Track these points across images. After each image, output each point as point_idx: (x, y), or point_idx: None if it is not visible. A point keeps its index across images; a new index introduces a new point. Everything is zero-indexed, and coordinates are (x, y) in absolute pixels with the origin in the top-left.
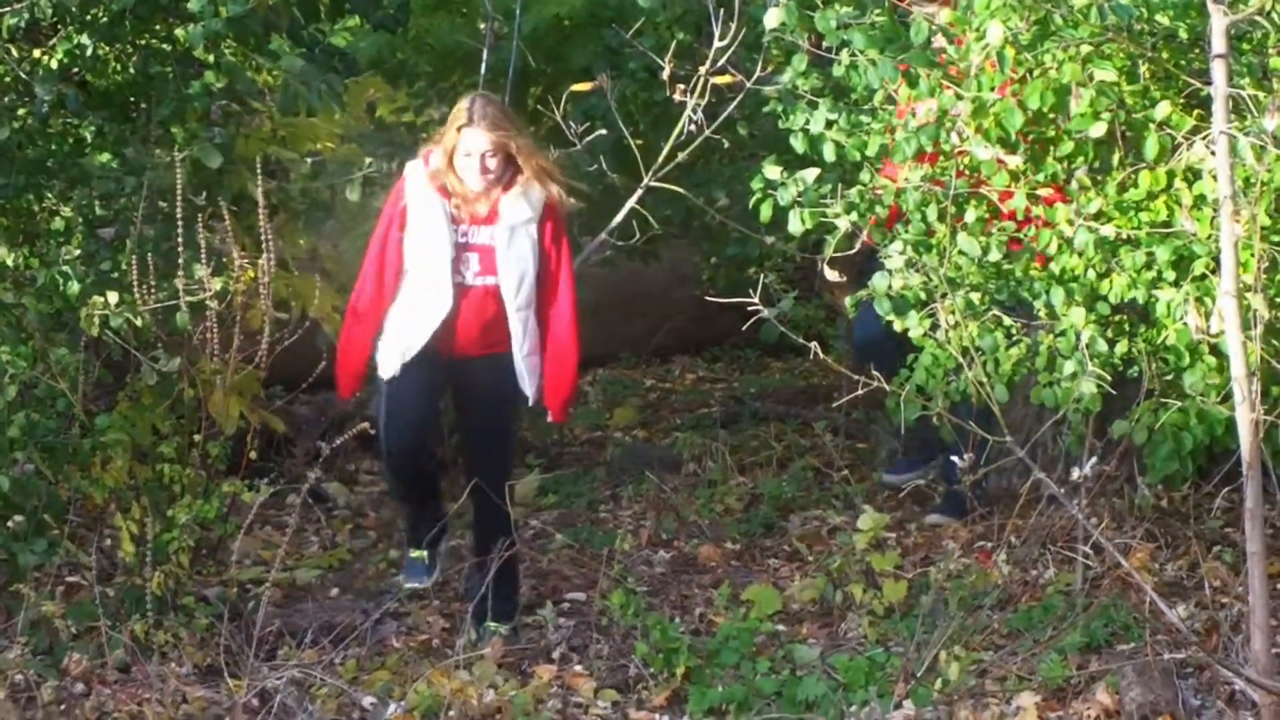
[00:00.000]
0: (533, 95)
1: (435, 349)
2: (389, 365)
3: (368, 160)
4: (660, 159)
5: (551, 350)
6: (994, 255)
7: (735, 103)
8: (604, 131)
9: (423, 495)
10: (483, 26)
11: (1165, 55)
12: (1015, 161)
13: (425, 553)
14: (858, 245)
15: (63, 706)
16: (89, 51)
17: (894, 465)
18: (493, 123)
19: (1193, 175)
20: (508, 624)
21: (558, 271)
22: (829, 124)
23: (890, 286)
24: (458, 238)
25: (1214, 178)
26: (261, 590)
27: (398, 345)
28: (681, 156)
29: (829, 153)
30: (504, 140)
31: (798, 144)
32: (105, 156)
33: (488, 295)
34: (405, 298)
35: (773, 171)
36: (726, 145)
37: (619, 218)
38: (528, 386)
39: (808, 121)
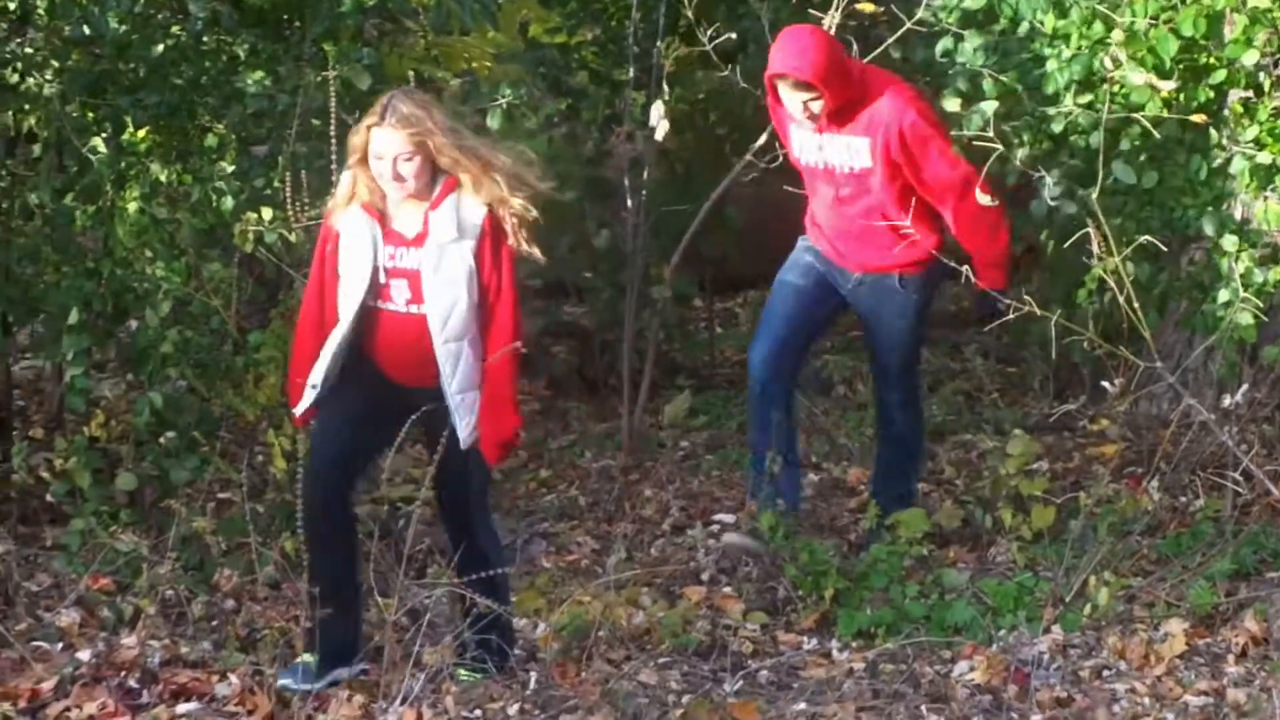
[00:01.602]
0: (684, 17)
1: (377, 374)
2: (303, 401)
3: (505, 89)
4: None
5: (486, 386)
6: (1147, 181)
7: (897, 36)
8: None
9: (335, 559)
10: None
11: None
12: (1168, 88)
13: (314, 659)
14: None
15: (213, 622)
16: None
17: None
18: (405, 119)
19: None
20: (483, 675)
21: (497, 298)
22: (978, 53)
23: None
24: (385, 261)
25: None
26: (411, 508)
27: (310, 377)
28: None
29: (984, 83)
30: (420, 138)
31: (960, 82)
32: (258, 74)
33: (418, 326)
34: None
35: (952, 104)
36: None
37: (765, 137)
38: (462, 427)
39: (961, 53)
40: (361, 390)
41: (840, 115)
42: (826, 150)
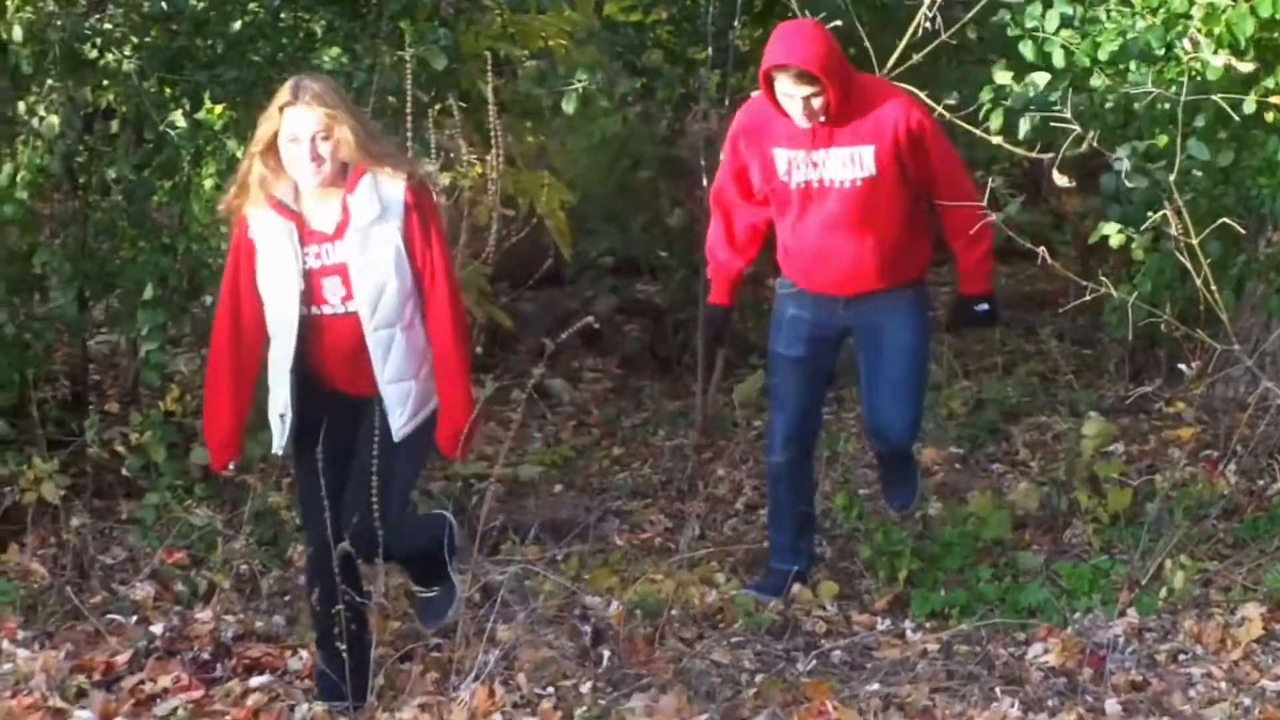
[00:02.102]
0: None
1: (329, 396)
2: (276, 437)
3: (585, 73)
4: (893, 59)
5: (437, 371)
6: (1223, 160)
7: (975, 10)
8: (839, 23)
9: (346, 612)
10: None
11: None
12: (1246, 67)
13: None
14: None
15: (286, 596)
16: None
17: (895, 495)
18: (319, 96)
19: None
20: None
21: (433, 275)
22: (1060, 26)
23: (1119, 190)
24: (311, 262)
25: None
26: (485, 486)
27: (275, 411)
28: (916, 58)
29: (1058, 58)
30: (333, 118)
31: (1026, 50)
32: (334, 51)
33: (353, 321)
34: (269, 349)
35: (1003, 77)
36: (958, 46)
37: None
38: (395, 417)
39: (1040, 23)
40: (328, 420)
41: (840, 125)
42: (823, 166)
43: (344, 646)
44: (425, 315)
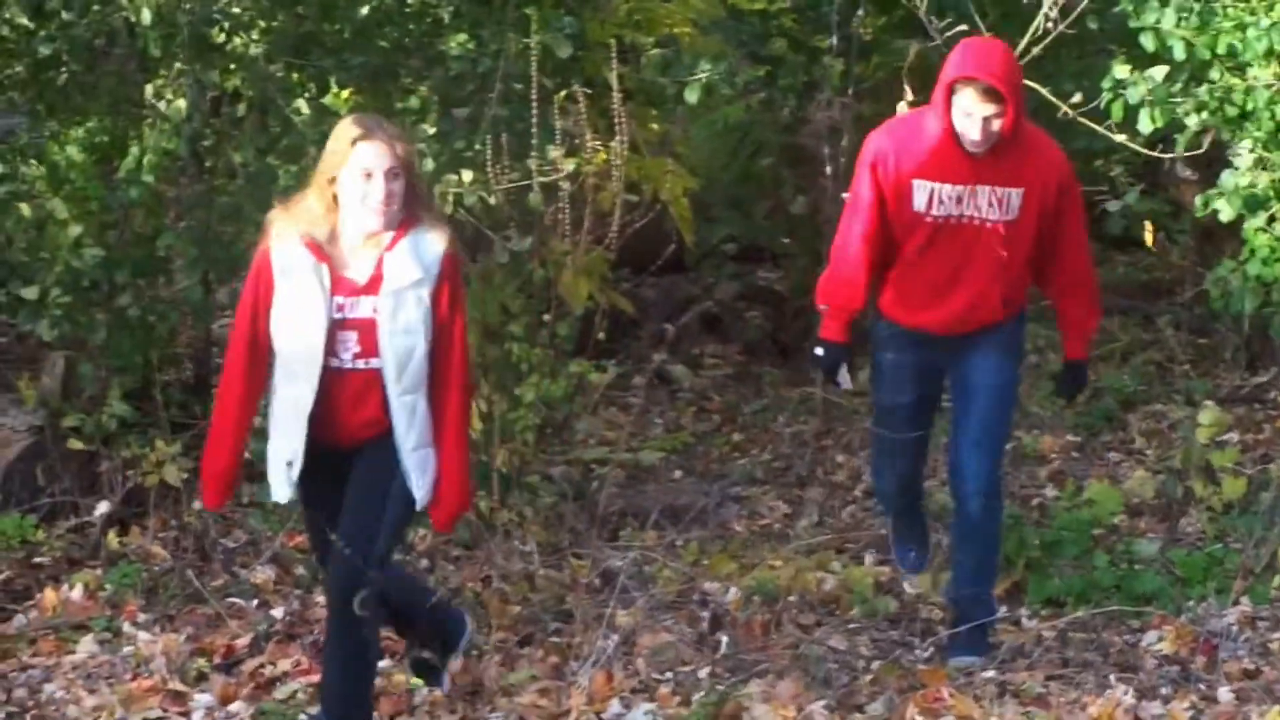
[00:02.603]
0: None
1: (320, 449)
2: (280, 487)
3: (708, 62)
4: (1016, 51)
5: (443, 443)
6: None
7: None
8: (959, 23)
9: (361, 647)
10: None
11: None
12: None
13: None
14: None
15: (424, 561)
16: None
17: (959, 645)
18: (397, 135)
19: None
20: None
21: (450, 346)
22: (1179, 20)
23: (1238, 183)
24: (334, 312)
25: None
26: (606, 471)
27: (281, 458)
28: (1036, 50)
29: (1179, 50)
30: (410, 156)
31: (1147, 42)
32: (461, 38)
33: (367, 382)
34: (279, 391)
35: (1122, 70)
36: (1077, 38)
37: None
38: (416, 486)
39: (1159, 19)
40: (324, 473)
41: (997, 163)
42: (968, 203)
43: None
44: (437, 383)
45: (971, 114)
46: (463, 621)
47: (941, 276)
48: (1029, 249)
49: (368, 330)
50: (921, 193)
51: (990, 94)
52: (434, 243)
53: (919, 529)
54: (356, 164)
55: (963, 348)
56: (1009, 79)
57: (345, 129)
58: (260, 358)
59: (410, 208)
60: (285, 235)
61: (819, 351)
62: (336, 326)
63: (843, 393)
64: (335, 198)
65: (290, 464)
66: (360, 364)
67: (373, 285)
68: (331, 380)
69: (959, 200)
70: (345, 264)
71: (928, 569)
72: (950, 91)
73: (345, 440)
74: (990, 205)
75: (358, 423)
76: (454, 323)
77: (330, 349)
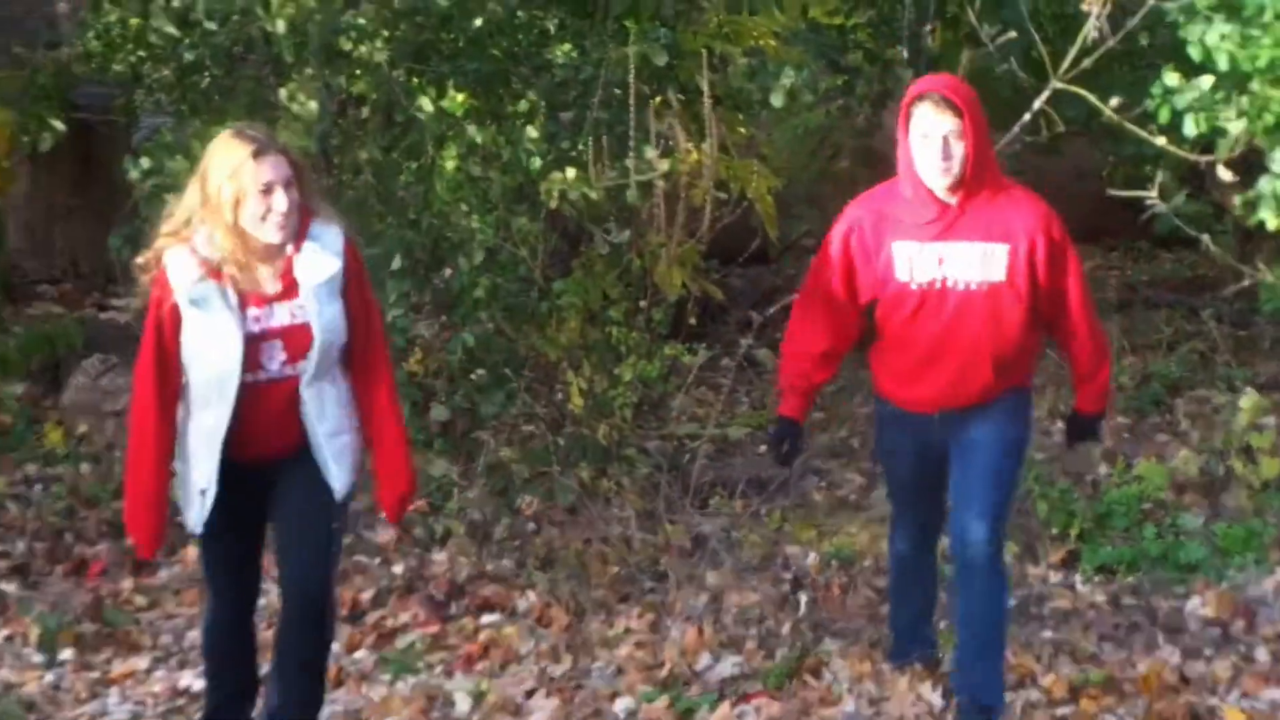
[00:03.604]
0: (951, 3)
1: (239, 469)
2: (193, 515)
3: (791, 70)
4: (1066, 63)
5: (376, 439)
6: None
7: (1140, 15)
8: (1014, 34)
9: (238, 669)
10: None
11: None
12: None
13: None
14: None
15: (515, 542)
16: None
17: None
18: (283, 146)
19: None
20: None
21: (370, 336)
22: (1223, 36)
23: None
24: (249, 326)
25: None
26: (697, 445)
27: (195, 487)
28: (1086, 62)
29: (1223, 62)
30: (299, 165)
31: (1194, 53)
32: (566, 47)
33: (294, 385)
34: (191, 419)
35: (1171, 79)
36: (1127, 53)
37: (1027, 116)
38: (334, 477)
39: (1204, 34)
40: (237, 499)
41: (972, 214)
42: (949, 263)
43: (242, 707)
44: (361, 370)
45: (929, 134)
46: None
47: (927, 347)
48: (1024, 313)
49: (292, 334)
50: (902, 257)
51: (945, 104)
52: (335, 235)
53: (925, 602)
54: (254, 181)
55: (960, 424)
56: (962, 93)
57: (233, 148)
58: (169, 395)
59: (313, 199)
60: (182, 265)
61: (771, 428)
62: (258, 339)
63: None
64: (235, 218)
65: (204, 491)
66: (290, 370)
67: (288, 290)
68: (253, 396)
69: (940, 260)
70: (249, 278)
71: (934, 655)
72: (909, 118)
73: (268, 451)
74: (972, 265)
75: (285, 428)
76: (369, 310)
77: (253, 364)
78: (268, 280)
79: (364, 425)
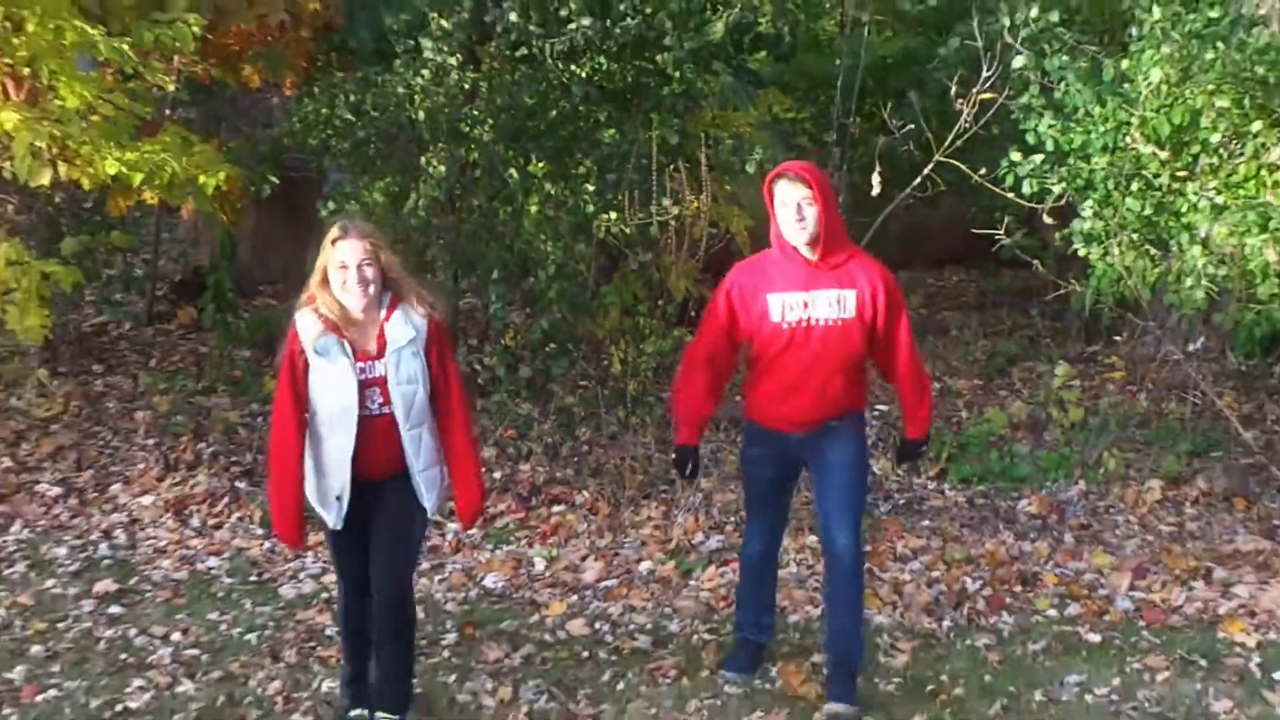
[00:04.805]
0: (867, 104)
1: (358, 484)
2: (332, 516)
3: (760, 148)
4: (945, 144)
5: (453, 467)
6: (1147, 211)
7: (992, 111)
8: (911, 125)
9: (366, 633)
10: (838, 61)
11: (1260, 92)
12: (1164, 155)
13: (364, 712)
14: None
15: (574, 459)
16: (604, 67)
17: (835, 692)
18: (364, 232)
19: (1274, 167)
20: (398, 714)
21: (449, 390)
22: (1049, 126)
23: (1084, 228)
24: (359, 375)
25: None
26: None
27: (331, 493)
28: (959, 143)
29: (1049, 145)
30: (376, 247)
31: (1030, 138)
32: (610, 131)
33: (389, 424)
34: (323, 442)
35: (1015, 155)
36: (987, 137)
37: (918, 179)
38: (425, 499)
39: (1036, 125)
40: (356, 502)
41: (827, 269)
42: (812, 306)
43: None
44: (443, 422)
45: (787, 202)
46: (412, 698)
47: (795, 372)
48: (864, 344)
49: (383, 385)
50: (775, 305)
51: (797, 179)
52: (419, 314)
53: (767, 598)
54: (335, 259)
55: (816, 442)
56: (812, 172)
57: (329, 236)
58: (302, 420)
59: (394, 288)
60: (310, 323)
61: (674, 455)
62: (363, 385)
63: None
64: (329, 286)
65: (339, 497)
66: (384, 410)
67: (380, 351)
68: (363, 427)
69: (806, 305)
70: (359, 337)
71: (770, 641)
72: (773, 195)
73: (376, 473)
74: (830, 306)
75: (387, 455)
76: (447, 370)
77: (361, 402)
78: (370, 341)
79: (447, 460)
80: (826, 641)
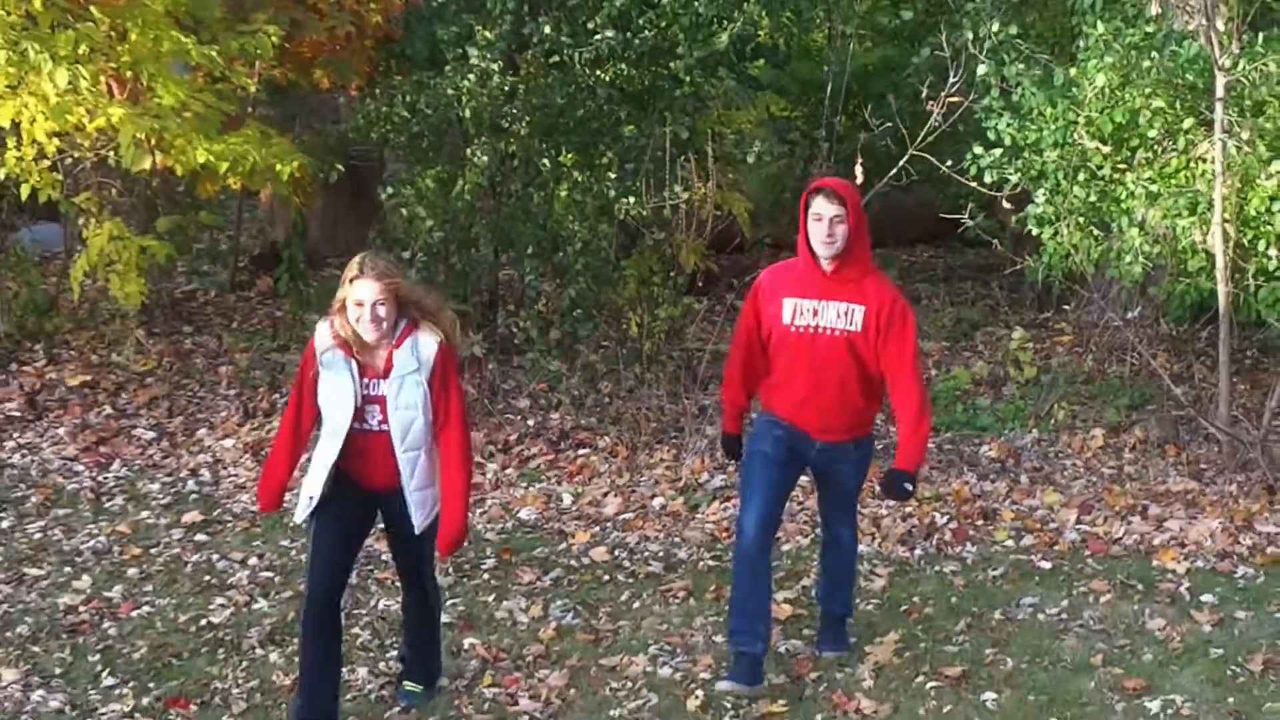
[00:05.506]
0: (851, 105)
1: (354, 488)
2: (301, 511)
3: (759, 141)
4: (918, 140)
5: (442, 495)
6: (1092, 198)
7: (959, 111)
8: (889, 123)
9: (328, 642)
10: (826, 68)
11: (1189, 96)
12: (1106, 150)
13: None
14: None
15: (598, 408)
16: (625, 73)
17: (828, 642)
18: (381, 272)
19: (1202, 160)
20: (425, 686)
21: (449, 416)
22: (1008, 124)
23: (1037, 212)
24: (363, 390)
25: (1212, 161)
26: (703, 354)
27: (308, 492)
28: (930, 139)
29: (1007, 140)
30: (393, 285)
31: (991, 135)
32: (630, 128)
33: (387, 441)
34: (320, 445)
35: (978, 149)
36: (954, 133)
37: (894, 170)
38: (414, 517)
39: (997, 124)
40: (345, 505)
41: (841, 282)
42: (822, 315)
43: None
44: (442, 444)
45: (821, 216)
46: (439, 670)
47: (800, 379)
48: (871, 365)
49: (384, 404)
50: (788, 308)
51: (834, 196)
52: (428, 343)
53: (762, 600)
54: (353, 296)
55: (829, 459)
56: (848, 192)
57: (350, 271)
58: (304, 420)
59: (407, 316)
60: (325, 339)
61: (721, 441)
62: (365, 401)
63: None
64: (346, 315)
65: (312, 497)
66: (382, 427)
67: (386, 372)
68: (361, 439)
69: (815, 312)
70: (368, 357)
71: (764, 653)
72: (807, 205)
73: (374, 483)
74: (838, 317)
75: (383, 469)
76: (449, 400)
77: (360, 417)
78: (379, 361)
79: (440, 486)
80: (821, 597)
